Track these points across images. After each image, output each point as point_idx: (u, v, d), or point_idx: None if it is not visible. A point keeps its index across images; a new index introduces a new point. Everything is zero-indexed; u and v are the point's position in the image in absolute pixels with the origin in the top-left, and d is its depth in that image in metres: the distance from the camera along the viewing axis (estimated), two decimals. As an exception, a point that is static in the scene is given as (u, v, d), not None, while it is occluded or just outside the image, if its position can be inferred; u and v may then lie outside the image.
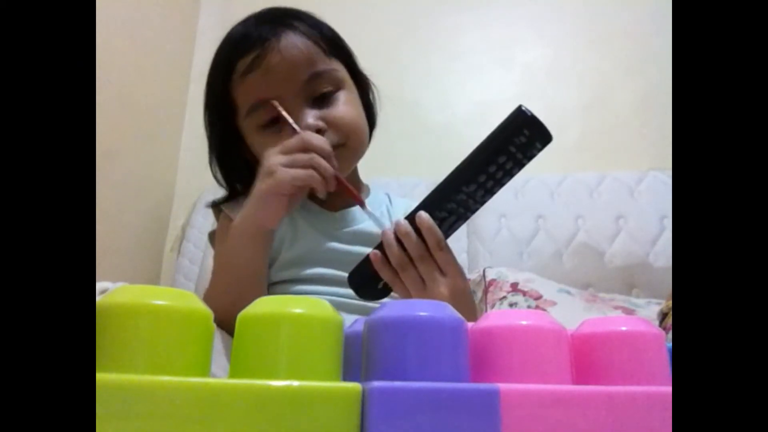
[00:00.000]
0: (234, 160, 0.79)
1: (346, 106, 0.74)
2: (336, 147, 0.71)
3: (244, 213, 0.66)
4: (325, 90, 0.74)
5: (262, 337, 0.24)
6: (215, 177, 0.82)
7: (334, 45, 0.78)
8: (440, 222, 0.58)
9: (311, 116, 0.71)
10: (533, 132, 0.53)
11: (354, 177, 0.82)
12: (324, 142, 0.65)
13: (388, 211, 0.82)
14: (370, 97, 0.84)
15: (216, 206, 0.81)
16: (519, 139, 0.53)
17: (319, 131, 0.71)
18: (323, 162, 0.63)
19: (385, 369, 0.24)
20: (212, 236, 0.82)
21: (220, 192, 0.84)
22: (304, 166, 0.62)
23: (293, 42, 0.72)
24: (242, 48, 0.72)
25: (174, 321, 0.23)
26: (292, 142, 0.64)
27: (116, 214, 1.27)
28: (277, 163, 0.63)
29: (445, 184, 0.58)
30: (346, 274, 0.73)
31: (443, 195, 0.58)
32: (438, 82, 1.66)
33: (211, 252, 0.84)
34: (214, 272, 0.72)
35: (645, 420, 0.23)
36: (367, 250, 0.75)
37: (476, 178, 0.56)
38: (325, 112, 0.73)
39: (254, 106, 0.72)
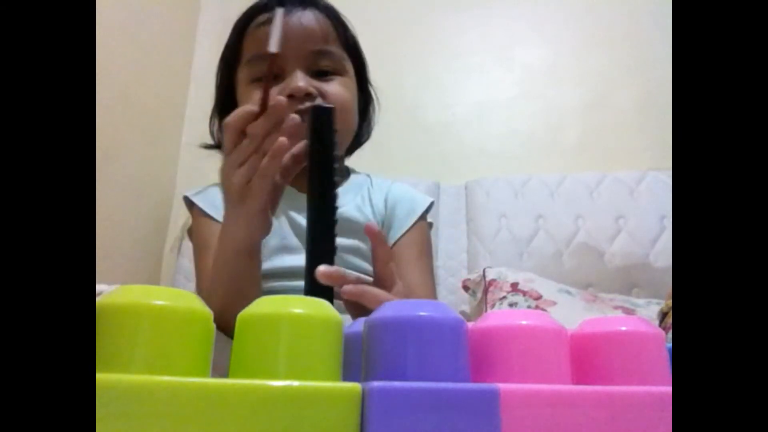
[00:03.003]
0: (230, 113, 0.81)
1: (340, 87, 0.76)
2: None
3: (232, 234, 0.60)
4: (326, 68, 0.75)
5: (262, 337, 0.24)
6: (211, 132, 0.84)
7: (351, 45, 0.80)
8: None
9: (303, 80, 0.72)
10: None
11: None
12: (258, 124, 0.54)
13: (369, 192, 0.82)
14: (370, 108, 0.85)
15: (187, 199, 0.82)
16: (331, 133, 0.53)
17: (308, 95, 0.72)
18: (278, 146, 0.53)
19: (385, 369, 0.24)
20: (191, 231, 0.83)
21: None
22: (269, 161, 0.54)
23: (315, 16, 0.76)
24: (267, 6, 0.75)
25: (174, 321, 0.23)
26: (241, 147, 0.55)
27: (116, 214, 1.27)
28: (241, 182, 0.55)
29: (318, 218, 0.53)
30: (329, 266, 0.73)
31: (326, 226, 0.53)
32: (438, 82, 1.66)
33: None
34: (213, 281, 0.67)
35: (645, 420, 0.23)
36: (348, 240, 0.74)
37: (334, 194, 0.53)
38: (318, 83, 0.74)
39: (255, 57, 0.74)
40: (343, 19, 0.81)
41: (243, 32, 0.77)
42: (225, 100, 0.81)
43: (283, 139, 0.53)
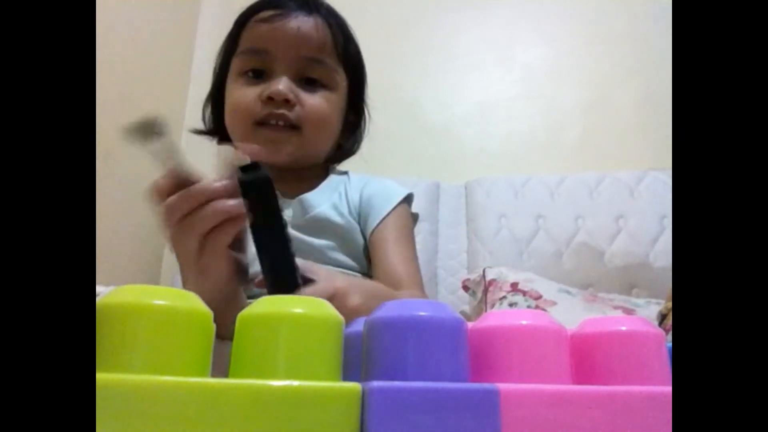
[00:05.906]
0: (221, 102, 0.82)
1: (323, 101, 0.76)
2: (292, 128, 0.73)
3: (196, 289, 0.51)
4: (315, 77, 0.75)
5: (262, 337, 0.24)
6: (203, 117, 0.85)
7: (350, 59, 0.80)
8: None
9: (284, 84, 0.72)
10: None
11: (317, 169, 0.83)
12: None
13: (346, 189, 0.82)
14: (361, 124, 0.85)
15: None
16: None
17: (287, 101, 0.72)
18: (219, 210, 0.46)
19: (385, 369, 0.24)
20: None
21: None
22: (217, 232, 0.47)
23: (317, 24, 0.76)
24: (271, 4, 0.77)
25: (174, 321, 0.23)
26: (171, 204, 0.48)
27: (116, 214, 1.27)
28: (194, 248, 0.48)
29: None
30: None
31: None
32: (437, 82, 1.66)
33: None
34: None
35: (645, 420, 0.23)
36: (324, 241, 0.74)
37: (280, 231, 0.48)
38: (300, 92, 0.74)
39: (248, 50, 0.76)
40: (349, 31, 0.81)
41: (243, 24, 0.78)
42: (218, 88, 0.82)
43: (224, 203, 0.46)
